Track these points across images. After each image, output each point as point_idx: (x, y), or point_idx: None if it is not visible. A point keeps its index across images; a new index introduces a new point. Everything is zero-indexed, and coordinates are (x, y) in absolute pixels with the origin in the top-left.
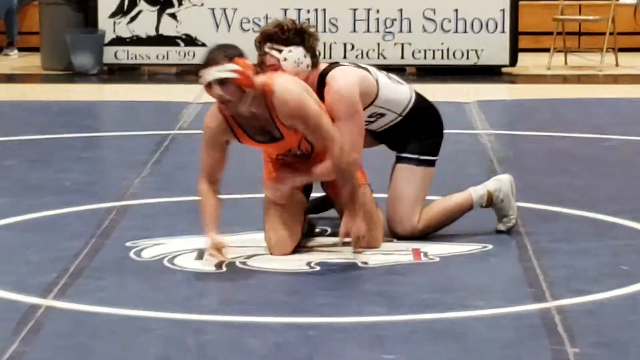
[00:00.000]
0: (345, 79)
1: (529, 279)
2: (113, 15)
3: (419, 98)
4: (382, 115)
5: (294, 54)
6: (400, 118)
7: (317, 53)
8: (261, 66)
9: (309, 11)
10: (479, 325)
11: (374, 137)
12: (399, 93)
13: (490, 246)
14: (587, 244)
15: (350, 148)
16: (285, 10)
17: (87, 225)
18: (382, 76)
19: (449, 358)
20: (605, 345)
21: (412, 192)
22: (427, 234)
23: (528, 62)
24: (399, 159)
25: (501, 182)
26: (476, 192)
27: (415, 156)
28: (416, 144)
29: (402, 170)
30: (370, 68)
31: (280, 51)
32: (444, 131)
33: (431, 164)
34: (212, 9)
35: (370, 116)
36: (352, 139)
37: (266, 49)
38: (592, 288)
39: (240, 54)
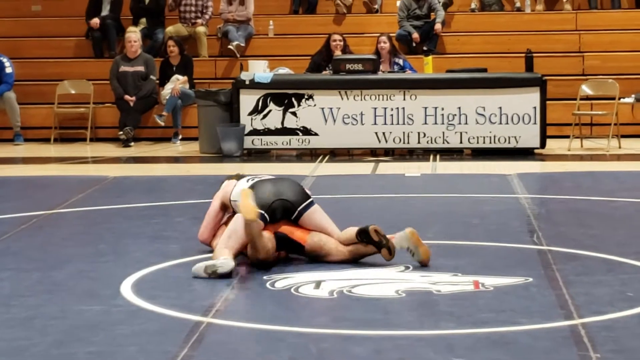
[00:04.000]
0: None
1: (560, 303)
2: (250, 113)
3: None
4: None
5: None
6: None
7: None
8: None
9: (392, 109)
10: (524, 337)
11: None
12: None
13: (530, 279)
14: (602, 277)
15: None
16: (375, 109)
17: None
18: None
19: None
20: (619, 352)
21: None
22: None
23: (554, 145)
24: None
25: None
26: None
27: None
28: None
29: None
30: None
31: None
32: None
33: None
34: (322, 108)
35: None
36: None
37: None
38: (607, 309)
39: None
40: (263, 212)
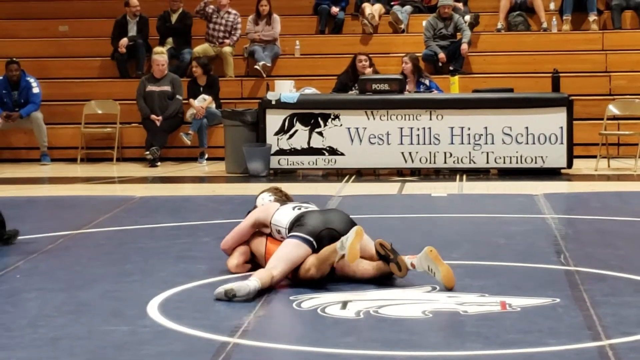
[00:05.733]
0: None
1: (588, 323)
2: (277, 133)
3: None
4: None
5: (260, 196)
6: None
7: (280, 196)
8: None
9: (418, 129)
10: (551, 358)
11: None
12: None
13: (558, 299)
14: (630, 298)
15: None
16: (401, 129)
17: None
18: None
19: None
20: None
21: None
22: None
23: (581, 165)
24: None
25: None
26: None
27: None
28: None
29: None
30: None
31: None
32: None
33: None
34: (348, 128)
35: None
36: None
37: None
38: (635, 330)
39: None
40: (312, 239)
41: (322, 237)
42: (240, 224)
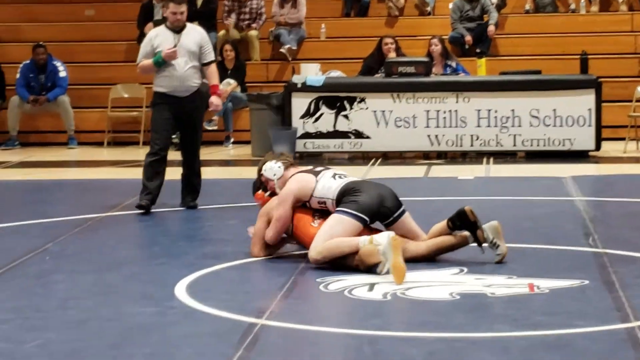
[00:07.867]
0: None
1: (617, 305)
2: (303, 116)
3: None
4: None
5: (267, 167)
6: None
7: (288, 160)
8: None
9: (445, 112)
10: (580, 339)
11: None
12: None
13: (586, 281)
14: None
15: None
16: (427, 111)
17: (290, 266)
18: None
19: None
20: None
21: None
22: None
23: (609, 148)
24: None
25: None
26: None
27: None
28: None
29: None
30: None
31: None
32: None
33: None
34: (374, 111)
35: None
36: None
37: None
38: None
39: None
40: (365, 217)
41: (375, 214)
42: (279, 210)
